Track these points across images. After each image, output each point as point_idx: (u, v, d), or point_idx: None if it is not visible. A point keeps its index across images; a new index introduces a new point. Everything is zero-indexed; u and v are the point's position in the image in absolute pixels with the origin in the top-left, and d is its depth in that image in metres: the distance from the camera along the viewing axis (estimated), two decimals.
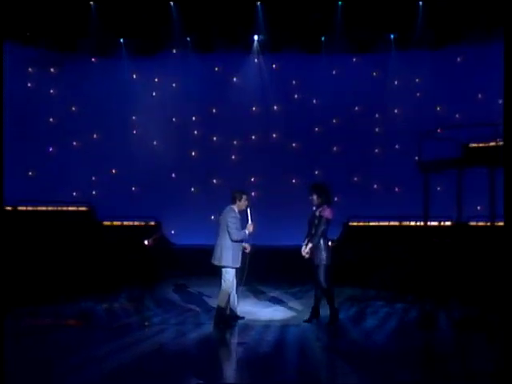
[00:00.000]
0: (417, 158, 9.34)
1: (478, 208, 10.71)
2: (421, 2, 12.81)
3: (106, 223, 11.83)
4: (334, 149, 14.37)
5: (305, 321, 7.40)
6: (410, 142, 10.89)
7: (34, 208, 10.60)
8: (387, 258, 10.15)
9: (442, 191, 10.92)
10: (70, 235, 10.26)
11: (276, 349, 6.10)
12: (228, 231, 6.96)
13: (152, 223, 12.21)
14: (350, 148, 13.95)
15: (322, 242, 7.19)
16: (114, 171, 14.08)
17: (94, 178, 13.93)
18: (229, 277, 7.00)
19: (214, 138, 14.60)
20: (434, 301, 8.36)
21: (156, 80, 14.51)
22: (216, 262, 7.07)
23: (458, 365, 5.63)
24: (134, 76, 14.31)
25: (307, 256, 7.24)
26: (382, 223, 11.61)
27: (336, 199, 9.83)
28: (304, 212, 7.70)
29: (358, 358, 5.89)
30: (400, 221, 11.36)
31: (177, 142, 14.13)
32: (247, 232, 7.04)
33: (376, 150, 14.23)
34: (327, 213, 7.25)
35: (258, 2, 13.09)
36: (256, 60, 14.37)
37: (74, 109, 13.99)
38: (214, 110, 14.56)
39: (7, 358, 4.91)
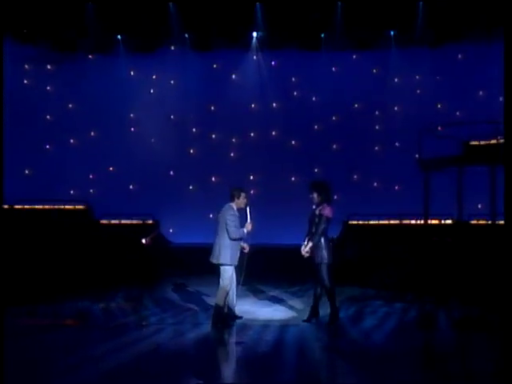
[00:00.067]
0: (417, 155, 9.31)
1: (479, 206, 10.69)
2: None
3: (104, 222, 11.78)
4: (334, 146, 14.32)
5: (304, 320, 7.34)
6: (410, 140, 10.83)
7: (31, 207, 10.54)
8: (387, 257, 10.09)
9: (442, 189, 10.86)
10: (68, 234, 10.21)
11: (275, 348, 6.04)
12: (227, 229, 6.91)
13: (150, 221, 12.09)
14: (349, 146, 13.90)
15: (322, 240, 7.13)
16: (111, 169, 14.05)
17: (91, 176, 13.90)
18: (227, 275, 6.96)
19: (213, 136, 14.54)
20: (434, 300, 8.32)
21: (154, 77, 14.44)
22: (214, 261, 7.02)
23: (457, 365, 5.59)
24: (132, 73, 14.25)
25: (307, 255, 7.19)
26: (381, 222, 11.55)
27: (336, 197, 9.77)
28: (303, 210, 7.64)
29: (358, 357, 5.84)
30: (400, 219, 11.31)
31: (175, 139, 14.06)
32: (246, 231, 6.99)
33: (376, 148, 14.18)
34: (327, 211, 7.19)
35: None
36: (255, 57, 14.32)
37: (71, 106, 13.95)
38: (212, 108, 14.49)
39: (4, 357, 4.88)
